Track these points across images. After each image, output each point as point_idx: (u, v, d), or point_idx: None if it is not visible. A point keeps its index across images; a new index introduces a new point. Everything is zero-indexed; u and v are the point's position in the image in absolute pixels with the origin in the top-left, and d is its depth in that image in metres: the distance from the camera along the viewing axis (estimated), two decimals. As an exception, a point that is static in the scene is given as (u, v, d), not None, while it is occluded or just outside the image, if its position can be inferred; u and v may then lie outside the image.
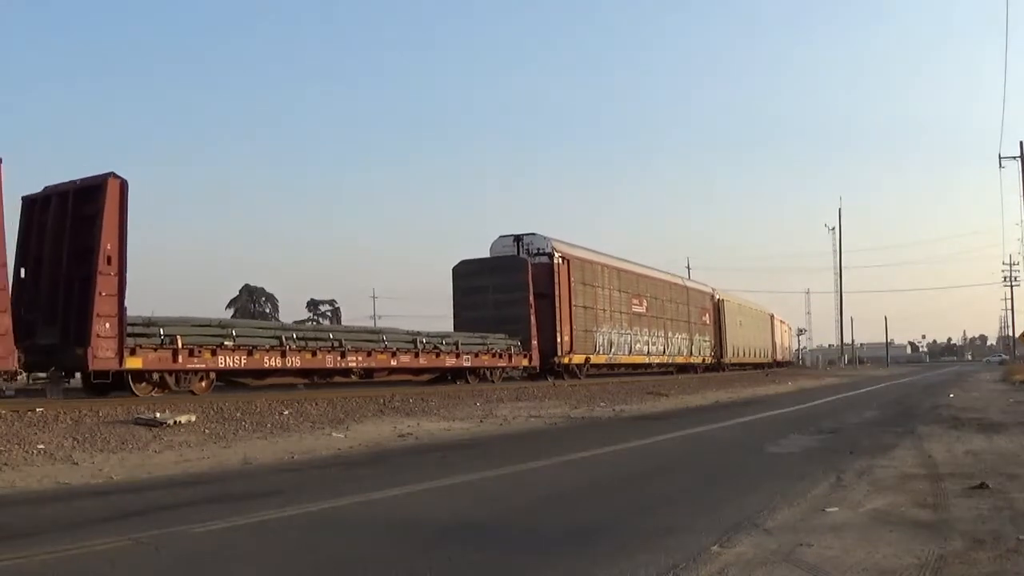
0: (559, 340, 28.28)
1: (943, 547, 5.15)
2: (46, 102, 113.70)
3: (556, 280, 28.47)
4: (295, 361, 18.98)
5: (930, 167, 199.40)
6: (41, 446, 10.26)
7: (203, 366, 17.08)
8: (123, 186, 15.35)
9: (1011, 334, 76.85)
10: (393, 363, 21.94)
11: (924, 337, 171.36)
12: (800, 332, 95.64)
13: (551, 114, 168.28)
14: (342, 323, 69.60)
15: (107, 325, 14.86)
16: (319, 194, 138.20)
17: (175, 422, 12.36)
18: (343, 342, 20.35)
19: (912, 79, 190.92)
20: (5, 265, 13.79)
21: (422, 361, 22.75)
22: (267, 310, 77.67)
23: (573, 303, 29.47)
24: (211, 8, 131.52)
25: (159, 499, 7.39)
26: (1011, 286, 73.68)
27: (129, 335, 15.38)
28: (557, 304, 28.30)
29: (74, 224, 15.58)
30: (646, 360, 36.23)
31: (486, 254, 29.54)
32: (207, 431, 12.31)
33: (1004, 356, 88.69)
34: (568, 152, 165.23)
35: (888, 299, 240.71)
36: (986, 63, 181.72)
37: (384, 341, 21.79)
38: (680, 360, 40.10)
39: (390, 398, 17.98)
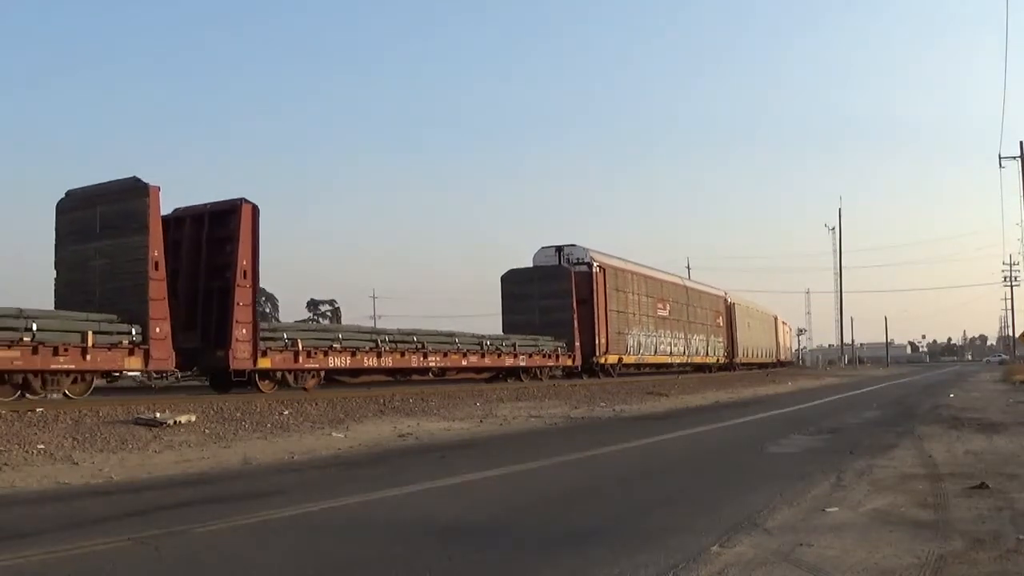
0: (597, 342, 31.24)
1: (943, 547, 5.15)
2: (38, 97, 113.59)
3: (594, 287, 31.46)
4: (388, 361, 21.46)
5: (930, 167, 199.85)
6: (41, 446, 10.25)
7: (317, 366, 19.37)
8: (255, 210, 17.60)
9: (1011, 334, 76.87)
10: (464, 363, 24.38)
11: (924, 337, 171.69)
12: (800, 332, 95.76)
13: (550, 113, 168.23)
14: (342, 323, 69.63)
15: (244, 331, 17.16)
16: (319, 194, 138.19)
17: (175, 422, 12.36)
18: (425, 344, 22.75)
19: (912, 79, 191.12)
20: (164, 279, 15.90)
21: (487, 361, 25.22)
22: (267, 310, 77.43)
23: (608, 308, 32.46)
24: (212, 7, 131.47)
25: (159, 499, 7.39)
26: (1011, 286, 73.76)
27: (260, 339, 17.63)
28: (596, 309, 31.29)
29: (209, 242, 17.86)
30: (669, 360, 38.89)
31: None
32: (207, 431, 12.31)
33: (1004, 356, 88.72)
34: (568, 151, 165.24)
35: (888, 299, 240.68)
36: (986, 62, 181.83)
37: (457, 343, 24.08)
38: (698, 360, 42.82)
39: (390, 398, 17.96)
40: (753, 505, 6.65)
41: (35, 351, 13.97)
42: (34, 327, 14.04)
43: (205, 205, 18.07)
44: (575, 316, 29.81)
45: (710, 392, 27.45)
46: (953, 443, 11.26)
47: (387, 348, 21.26)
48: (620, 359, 33.33)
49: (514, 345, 26.52)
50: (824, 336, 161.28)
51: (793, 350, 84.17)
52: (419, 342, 22.51)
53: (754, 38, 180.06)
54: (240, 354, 16.97)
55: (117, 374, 17.04)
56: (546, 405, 19.63)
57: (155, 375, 18.33)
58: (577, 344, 29.73)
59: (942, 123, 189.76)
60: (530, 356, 27.34)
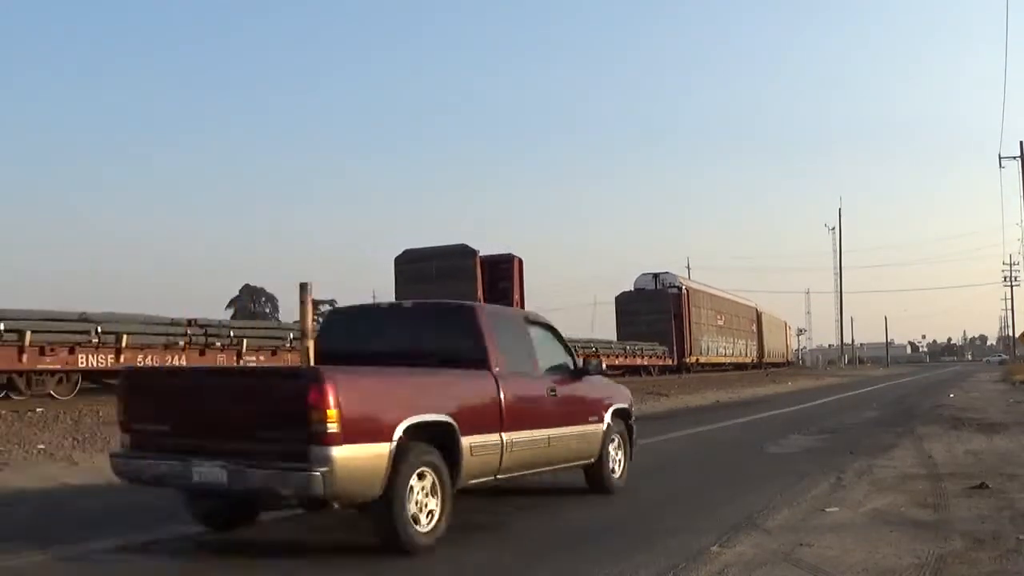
0: (685, 346, 40.94)
1: (943, 547, 5.15)
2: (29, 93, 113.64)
3: (683, 305, 41.35)
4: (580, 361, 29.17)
5: (930, 167, 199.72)
6: (41, 446, 10.23)
7: None
8: (520, 262, 26.31)
9: (1011, 334, 76.77)
10: (616, 362, 32.66)
11: (924, 337, 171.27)
12: (800, 332, 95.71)
13: (549, 110, 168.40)
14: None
15: None
16: (319, 193, 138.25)
17: (175, 422, 12.33)
18: (597, 349, 30.87)
19: (913, 78, 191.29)
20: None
21: (628, 361, 34.92)
22: (267, 310, 77.35)
23: (691, 320, 42.11)
24: (214, 6, 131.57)
25: (159, 499, 7.37)
26: (1011, 286, 73.47)
27: None
28: (684, 322, 41.10)
29: (491, 280, 25.37)
30: (723, 360, 47.97)
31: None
32: (207, 431, 12.28)
33: (1004, 356, 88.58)
34: (568, 149, 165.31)
35: (888, 299, 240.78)
36: (986, 63, 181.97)
37: (613, 347, 34.22)
38: (739, 360, 51.18)
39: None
40: (753, 505, 6.66)
41: None
42: None
43: (483, 257, 25.39)
44: (672, 327, 39.50)
45: (710, 392, 27.44)
46: (953, 443, 11.26)
47: (591, 352, 27.98)
48: (697, 359, 42.53)
49: (642, 349, 36.77)
50: (824, 336, 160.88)
51: (794, 350, 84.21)
52: (595, 348, 30.87)
53: (757, 39, 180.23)
54: None
55: None
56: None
57: None
58: (674, 348, 39.50)
59: (942, 123, 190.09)
60: (650, 357, 37.41)
